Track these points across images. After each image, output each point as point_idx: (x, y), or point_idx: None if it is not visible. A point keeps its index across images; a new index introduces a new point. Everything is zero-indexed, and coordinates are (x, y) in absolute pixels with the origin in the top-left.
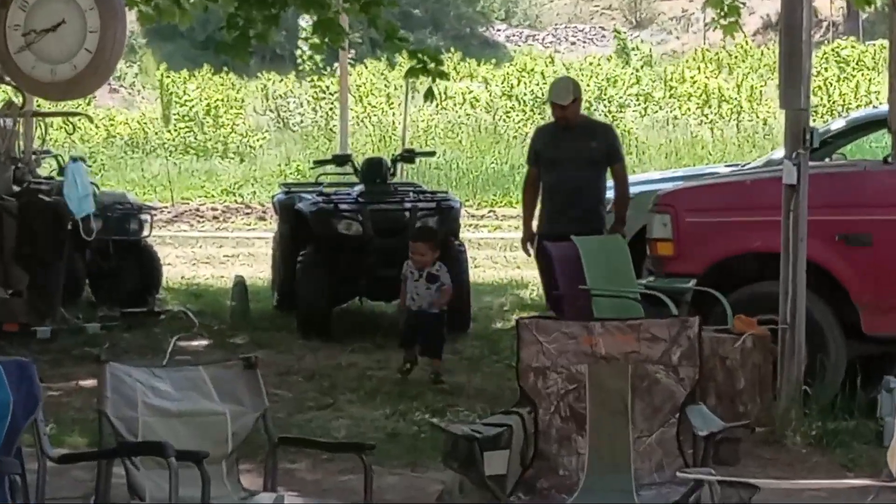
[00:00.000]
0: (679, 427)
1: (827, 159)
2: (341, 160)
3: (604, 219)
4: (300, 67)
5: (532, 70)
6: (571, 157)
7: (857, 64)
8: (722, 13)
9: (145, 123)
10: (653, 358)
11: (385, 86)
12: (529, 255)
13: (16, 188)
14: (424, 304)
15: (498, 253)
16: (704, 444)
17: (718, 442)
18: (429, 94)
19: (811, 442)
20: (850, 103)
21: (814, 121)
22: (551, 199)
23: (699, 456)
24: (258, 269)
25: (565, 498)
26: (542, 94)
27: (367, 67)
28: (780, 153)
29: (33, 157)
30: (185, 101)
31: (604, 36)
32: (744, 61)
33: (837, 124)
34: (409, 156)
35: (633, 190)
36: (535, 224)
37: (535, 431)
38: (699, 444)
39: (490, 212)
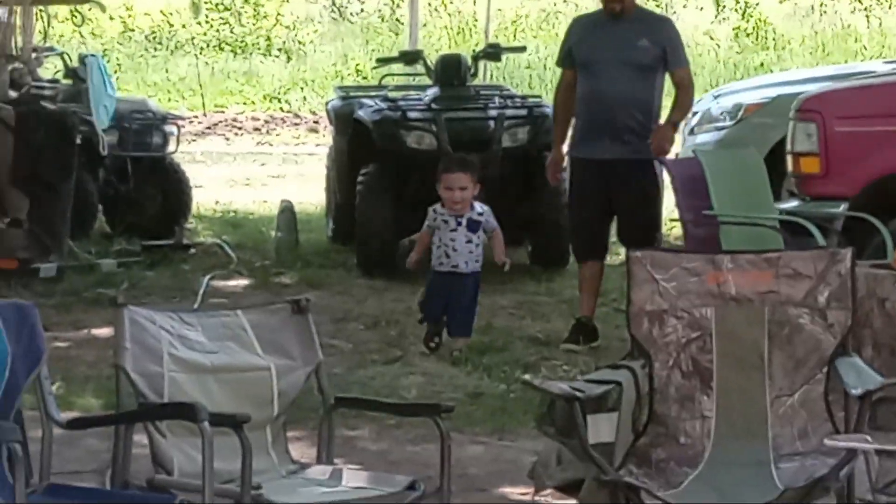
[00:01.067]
0: (827, 384)
1: None
2: (411, 58)
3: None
4: None
5: None
6: (612, 60)
7: None
8: None
9: (170, 14)
10: (795, 299)
11: None
12: (557, 182)
13: (13, 93)
14: (462, 262)
15: None
16: (859, 405)
17: (876, 402)
18: None
19: None
20: None
21: None
22: (585, 113)
23: (852, 420)
24: (309, 192)
25: (687, 471)
26: None
27: None
28: None
29: (33, 55)
30: None
31: None
32: None
33: None
34: (493, 52)
35: (770, 92)
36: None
37: (649, 390)
38: (852, 406)
39: None
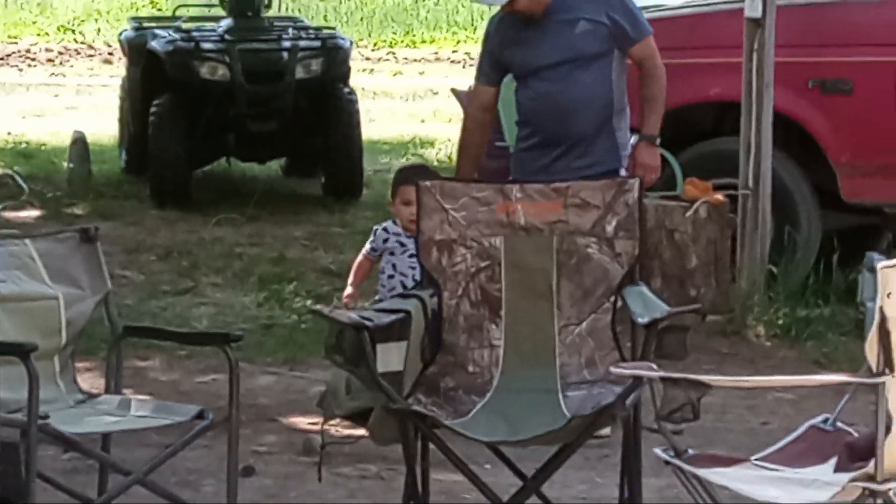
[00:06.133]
0: (615, 314)
1: None
2: None
3: (618, 150)
4: None
5: None
6: (549, 61)
7: None
8: None
9: None
10: (583, 229)
11: None
12: None
13: None
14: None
15: (398, 104)
16: (645, 333)
17: (662, 331)
18: None
19: (777, 333)
20: None
21: None
22: (530, 132)
23: (638, 348)
24: (103, 123)
25: (475, 400)
26: None
27: None
28: None
29: None
30: None
31: None
32: None
33: None
34: None
35: None
36: None
37: (438, 319)
38: (639, 334)
39: (389, 53)
